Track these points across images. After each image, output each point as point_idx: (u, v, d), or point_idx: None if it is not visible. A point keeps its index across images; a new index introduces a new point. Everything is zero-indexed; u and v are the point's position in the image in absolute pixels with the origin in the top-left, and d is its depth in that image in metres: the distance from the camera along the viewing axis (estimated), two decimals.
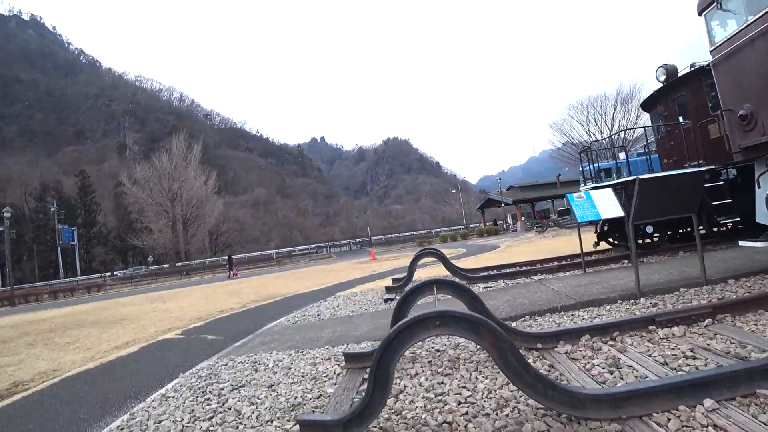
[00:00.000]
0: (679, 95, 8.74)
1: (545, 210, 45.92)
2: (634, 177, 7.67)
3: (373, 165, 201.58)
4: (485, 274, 7.80)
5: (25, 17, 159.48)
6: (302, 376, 3.28)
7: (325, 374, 3.28)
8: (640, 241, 7.94)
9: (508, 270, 8.28)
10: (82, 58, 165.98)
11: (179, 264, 51.11)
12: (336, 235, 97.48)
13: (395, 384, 2.77)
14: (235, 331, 6.28)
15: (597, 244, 8.90)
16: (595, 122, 41.18)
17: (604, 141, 30.53)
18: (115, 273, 53.47)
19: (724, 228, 8.28)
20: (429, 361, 3.22)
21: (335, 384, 3.01)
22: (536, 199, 45.04)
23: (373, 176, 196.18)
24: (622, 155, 23.76)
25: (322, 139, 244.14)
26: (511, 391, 2.58)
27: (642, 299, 4.58)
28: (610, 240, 9.21)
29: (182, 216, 54.98)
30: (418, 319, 1.96)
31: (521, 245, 18.74)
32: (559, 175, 44.23)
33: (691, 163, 7.94)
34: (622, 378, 2.63)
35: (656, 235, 8.20)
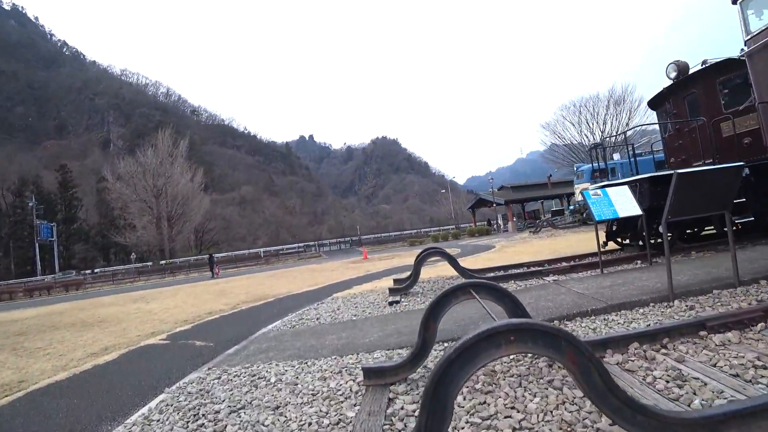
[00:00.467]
0: (689, 93, 8.50)
1: (535, 211, 46.09)
2: (650, 174, 7.41)
3: (361, 164, 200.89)
4: (493, 275, 7.38)
5: (6, 7, 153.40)
6: (313, 395, 2.77)
7: (339, 392, 2.77)
8: (652, 241, 7.63)
9: (517, 270, 7.89)
10: (65, 50, 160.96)
11: (163, 262, 49.68)
12: (324, 234, 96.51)
13: None
14: (227, 336, 5.72)
15: (606, 243, 8.57)
16: (587, 123, 41.40)
17: (602, 140, 30.58)
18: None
19: (736, 227, 8.07)
20: None
21: (355, 405, 2.51)
22: (527, 200, 45.16)
23: (362, 175, 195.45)
24: (617, 156, 23.66)
25: (311, 137, 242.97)
26: (571, 413, 2.17)
27: (676, 302, 4.25)
28: (619, 240, 8.93)
29: (167, 213, 53.63)
30: (486, 335, 1.49)
31: (517, 245, 18.43)
32: (550, 175, 44.43)
33: (706, 161, 7.68)
34: (695, 393, 2.25)
35: (668, 234, 7.90)
